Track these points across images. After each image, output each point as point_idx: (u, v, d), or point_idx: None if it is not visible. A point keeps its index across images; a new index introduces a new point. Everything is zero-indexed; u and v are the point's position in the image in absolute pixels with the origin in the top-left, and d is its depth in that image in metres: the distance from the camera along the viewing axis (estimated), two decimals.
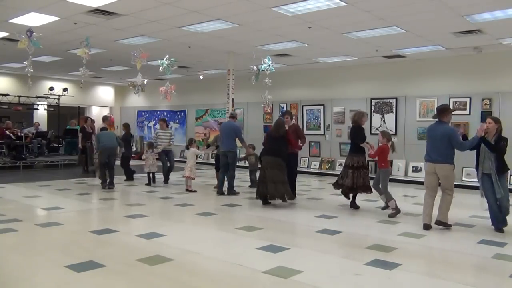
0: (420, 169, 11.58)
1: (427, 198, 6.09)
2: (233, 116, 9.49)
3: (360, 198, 7.76)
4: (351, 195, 7.57)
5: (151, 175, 10.17)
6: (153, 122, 19.13)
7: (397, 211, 6.84)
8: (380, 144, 7.22)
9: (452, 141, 5.91)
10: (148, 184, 10.11)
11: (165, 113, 18.53)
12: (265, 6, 7.50)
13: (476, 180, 6.38)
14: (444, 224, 5.94)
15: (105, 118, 11.24)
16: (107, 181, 9.49)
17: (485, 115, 10.39)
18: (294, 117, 8.74)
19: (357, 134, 7.41)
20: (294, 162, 8.11)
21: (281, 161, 7.52)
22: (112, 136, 9.85)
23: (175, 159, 11.37)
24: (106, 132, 9.86)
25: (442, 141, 5.92)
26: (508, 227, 6.17)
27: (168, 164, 10.40)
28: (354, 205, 7.53)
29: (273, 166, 7.46)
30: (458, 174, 10.43)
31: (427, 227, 5.94)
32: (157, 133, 10.51)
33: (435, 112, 6.26)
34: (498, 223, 5.94)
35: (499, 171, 5.82)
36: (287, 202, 7.68)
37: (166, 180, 10.37)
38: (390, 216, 6.79)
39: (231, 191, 8.79)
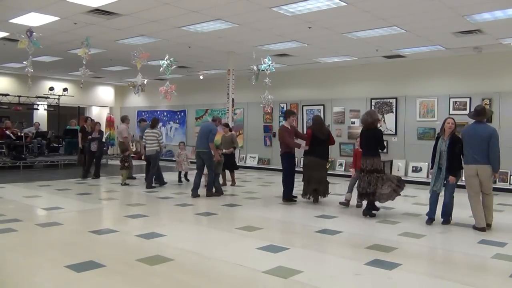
0: (420, 169, 11.59)
1: (476, 202, 5.95)
2: (214, 120, 9.50)
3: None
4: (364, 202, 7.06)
5: (182, 174, 10.66)
6: None
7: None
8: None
9: (495, 142, 5.85)
10: (180, 183, 10.49)
11: (165, 113, 18.54)
12: (265, 6, 7.50)
13: None
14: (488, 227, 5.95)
15: (124, 118, 11.42)
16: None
17: None
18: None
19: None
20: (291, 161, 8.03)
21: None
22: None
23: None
24: None
25: (487, 142, 5.83)
26: (508, 226, 6.18)
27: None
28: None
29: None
30: None
31: (485, 229, 5.83)
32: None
33: (473, 112, 6.08)
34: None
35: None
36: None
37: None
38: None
39: (209, 193, 8.49)
